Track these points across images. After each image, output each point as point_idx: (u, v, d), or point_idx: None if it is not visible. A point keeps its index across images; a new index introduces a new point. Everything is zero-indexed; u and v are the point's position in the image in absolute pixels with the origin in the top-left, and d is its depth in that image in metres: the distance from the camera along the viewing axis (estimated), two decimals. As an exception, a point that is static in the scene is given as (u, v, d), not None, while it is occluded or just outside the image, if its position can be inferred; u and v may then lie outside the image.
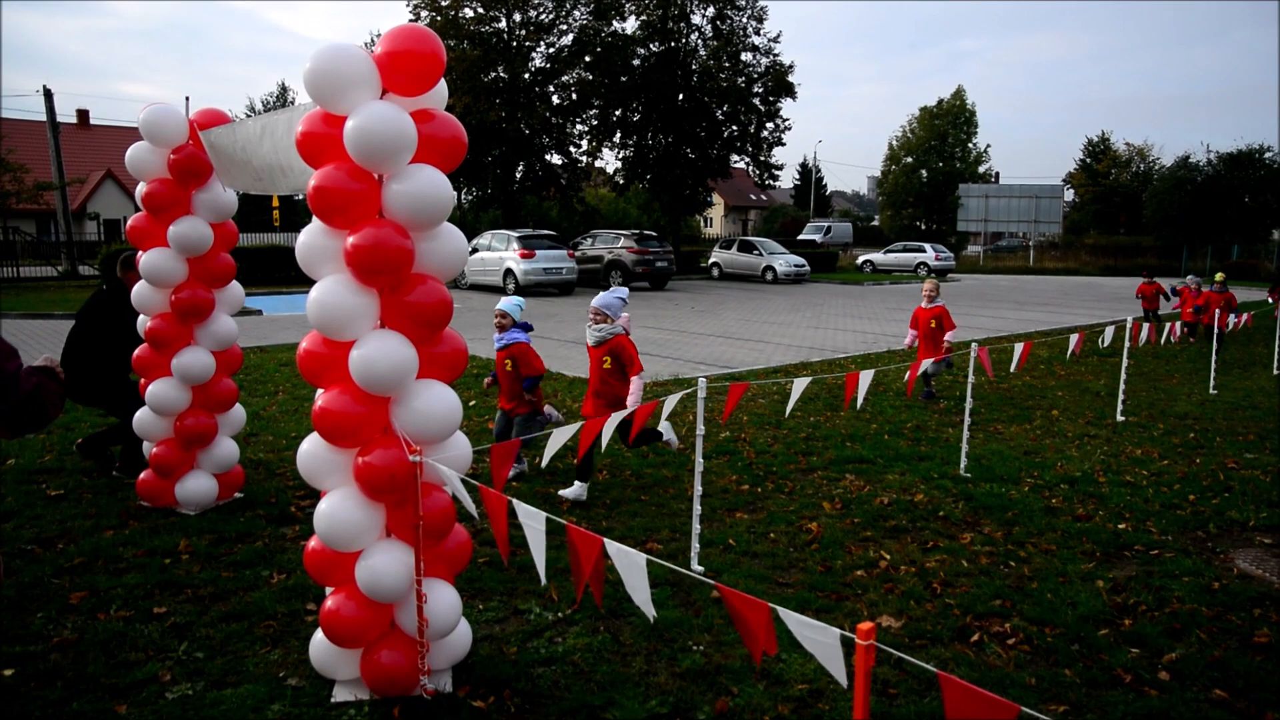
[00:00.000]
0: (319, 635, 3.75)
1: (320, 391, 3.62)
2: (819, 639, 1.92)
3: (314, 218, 3.55)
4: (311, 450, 3.65)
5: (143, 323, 5.77)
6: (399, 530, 3.64)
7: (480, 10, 34.96)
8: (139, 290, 5.71)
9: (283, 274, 26.64)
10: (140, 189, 5.58)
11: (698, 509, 5.10)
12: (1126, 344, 9.98)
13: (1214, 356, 12.03)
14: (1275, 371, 13.23)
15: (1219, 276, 16.78)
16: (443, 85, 3.74)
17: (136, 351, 5.85)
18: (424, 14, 34.20)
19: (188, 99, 5.41)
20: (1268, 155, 50.69)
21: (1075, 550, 5.56)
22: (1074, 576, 5.13)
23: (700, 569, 5.06)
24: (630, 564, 2.42)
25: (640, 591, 2.40)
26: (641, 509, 6.17)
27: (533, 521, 2.74)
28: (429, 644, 3.65)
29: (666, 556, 5.29)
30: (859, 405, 6.31)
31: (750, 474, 7.04)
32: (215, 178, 5.53)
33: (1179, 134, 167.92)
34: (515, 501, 2.86)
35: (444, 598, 3.69)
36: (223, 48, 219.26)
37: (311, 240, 3.56)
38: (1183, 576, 5.16)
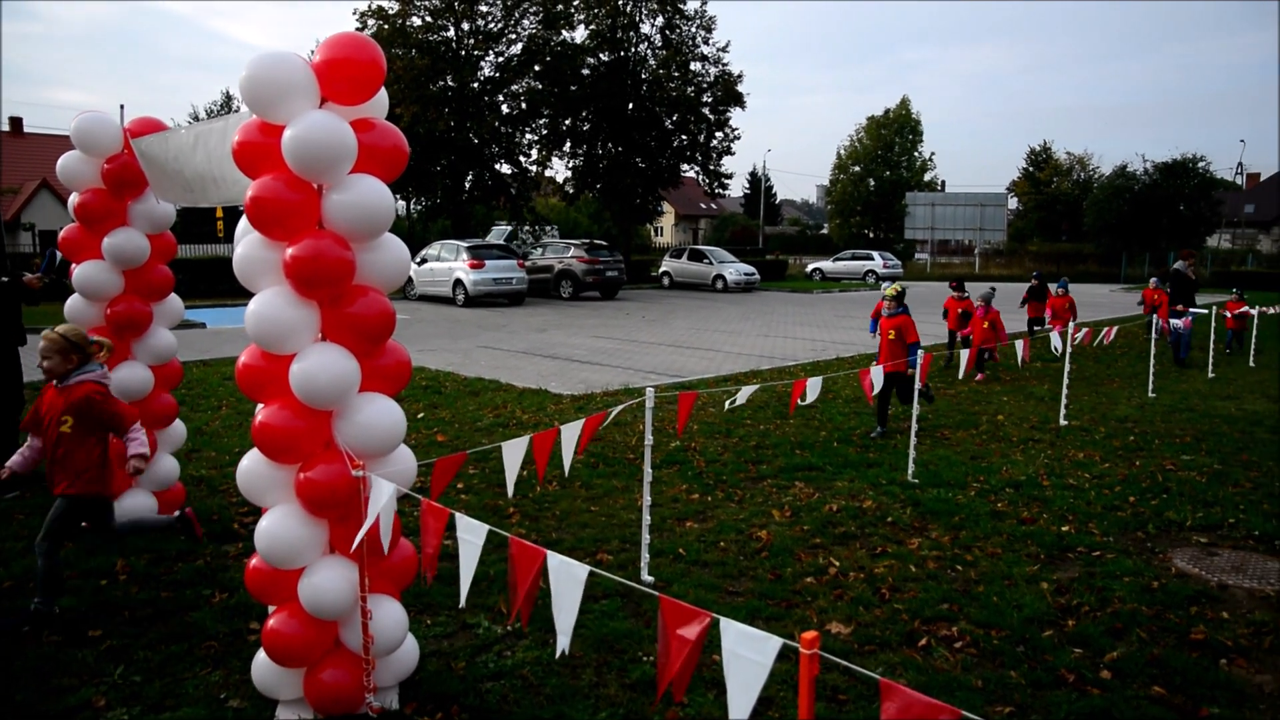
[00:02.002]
0: (261, 655, 3.67)
1: (260, 406, 3.54)
2: (752, 657, 1.91)
3: (252, 229, 3.48)
4: (252, 467, 3.58)
5: (77, 337, 5.60)
6: (342, 546, 3.58)
7: (428, 19, 34.75)
8: (72, 304, 5.55)
9: (227, 286, 26.13)
10: (73, 199, 5.43)
11: (647, 519, 5.09)
12: (1069, 350, 10.18)
13: (1152, 360, 12.33)
14: (1210, 375, 13.59)
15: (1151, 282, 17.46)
16: (383, 94, 3.69)
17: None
18: (371, 22, 33.90)
19: (122, 107, 5.28)
20: (1201, 165, 52.24)
21: (1020, 553, 5.65)
22: (1019, 579, 5.21)
23: (650, 579, 5.05)
24: (567, 580, 2.39)
25: (566, 615, 2.37)
26: (592, 520, 6.14)
27: (470, 535, 2.70)
28: (374, 661, 3.58)
29: (617, 567, 5.27)
30: (807, 400, 6.33)
31: (700, 483, 7.05)
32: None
33: (1117, 144, 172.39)
34: (457, 515, 2.82)
35: (389, 614, 3.63)
36: (162, 55, 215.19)
37: (249, 252, 3.49)
38: (1123, 577, 5.26)
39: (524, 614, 2.54)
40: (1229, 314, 16.86)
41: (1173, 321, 14.70)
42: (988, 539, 5.89)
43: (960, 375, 9.95)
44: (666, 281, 36.09)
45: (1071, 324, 11.12)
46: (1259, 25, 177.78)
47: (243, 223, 3.53)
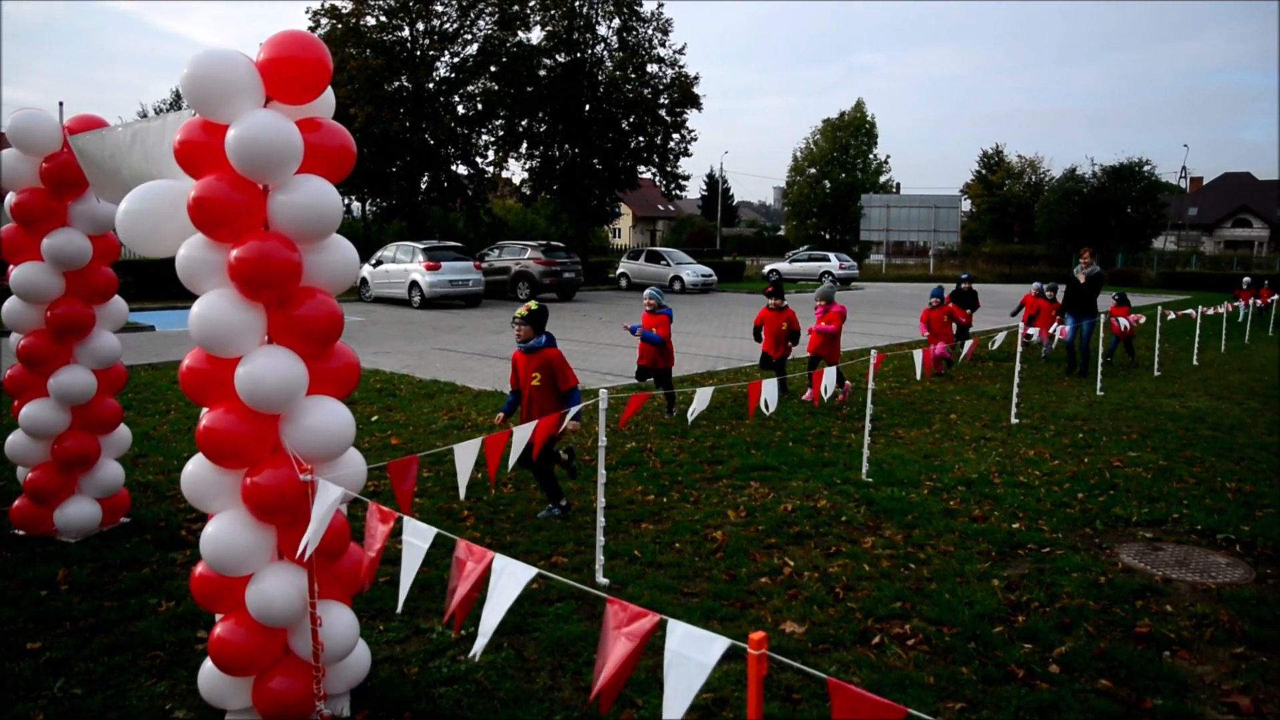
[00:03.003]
0: (208, 664, 3.59)
1: (205, 410, 3.47)
2: (696, 657, 1.90)
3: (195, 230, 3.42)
4: (197, 472, 3.51)
5: (15, 340, 5.46)
6: (291, 552, 3.52)
7: (382, 18, 34.43)
8: (10, 306, 5.40)
9: (176, 288, 25.54)
10: (10, 199, 5.29)
11: (601, 521, 5.07)
12: (1019, 348, 10.34)
13: (1100, 359, 12.57)
14: (1156, 373, 13.88)
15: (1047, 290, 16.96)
16: (330, 93, 3.65)
17: (9, 370, 5.54)
18: (324, 21, 33.51)
19: (61, 104, 5.15)
20: (1146, 169, 53.42)
21: (972, 550, 5.71)
22: (971, 576, 5.27)
23: (606, 581, 5.03)
24: (509, 581, 2.37)
25: (494, 616, 2.35)
26: (547, 522, 6.11)
27: (416, 539, 2.67)
28: (325, 668, 3.53)
29: (572, 570, 5.25)
30: (768, 411, 6.40)
31: (656, 484, 7.05)
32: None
33: (1066, 147, 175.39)
34: (405, 519, 2.78)
35: (340, 620, 3.58)
36: (106, 52, 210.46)
37: (193, 254, 3.42)
38: (1072, 572, 5.35)
39: (458, 617, 2.50)
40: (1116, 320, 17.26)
41: (1051, 330, 13.80)
42: (940, 537, 5.95)
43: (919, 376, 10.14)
44: (624, 283, 36.06)
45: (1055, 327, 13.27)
46: (1200, 33, 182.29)
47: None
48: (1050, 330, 13.81)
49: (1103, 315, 13.09)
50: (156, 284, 25.36)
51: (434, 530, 2.71)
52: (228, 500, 3.48)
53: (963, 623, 4.62)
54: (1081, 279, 13.33)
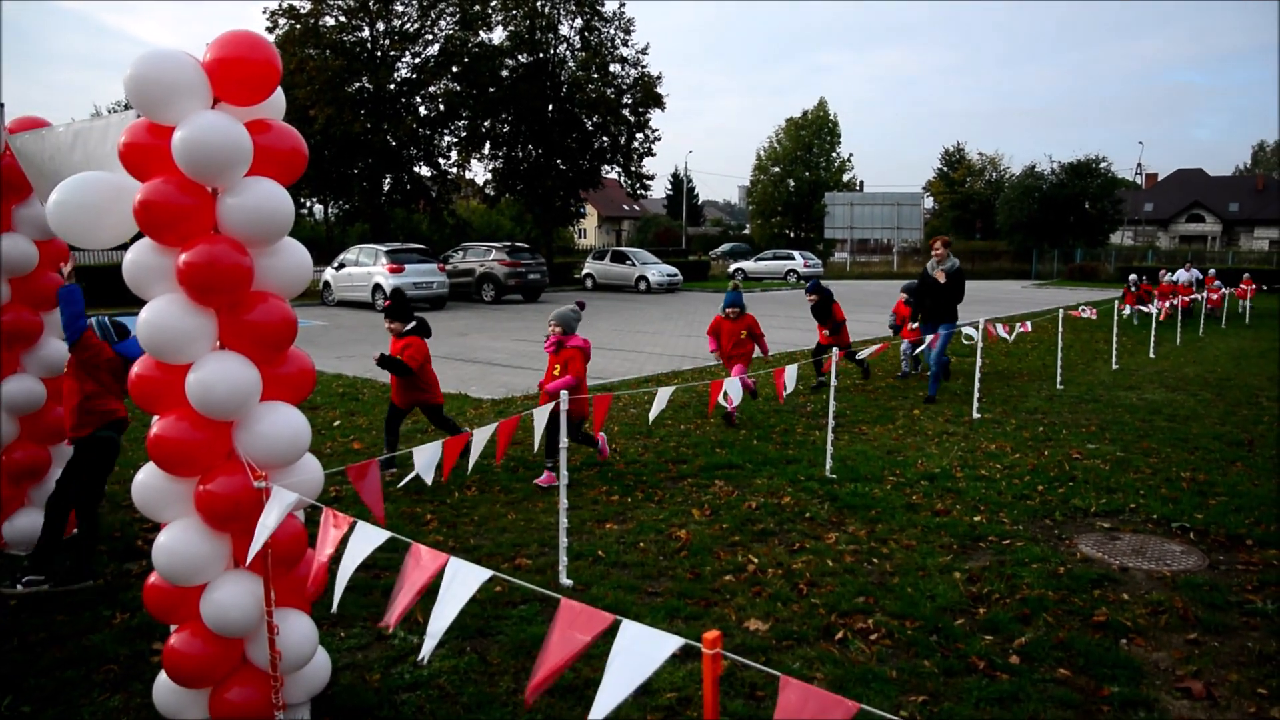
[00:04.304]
0: (163, 677, 3.53)
1: (156, 418, 3.41)
2: (650, 653, 1.89)
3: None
4: (147, 481, 3.44)
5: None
6: (249, 561, 3.46)
7: (342, 19, 34.13)
8: (-45, 315, 5.28)
9: (132, 294, 25.24)
10: (-49, 204, 5.16)
11: (564, 522, 5.05)
12: (981, 344, 10.45)
13: (1060, 354, 12.74)
14: (1114, 367, 14.09)
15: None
16: (279, 95, 3.59)
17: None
18: (282, 21, 33.15)
19: (1, 105, 5.03)
20: (1103, 165, 54.31)
21: (934, 544, 5.76)
22: (933, 570, 5.31)
23: (569, 583, 5.01)
24: (461, 584, 2.34)
25: (443, 620, 2.33)
26: (510, 524, 6.08)
27: (363, 543, 2.64)
28: (283, 677, 3.48)
29: (535, 571, 5.23)
30: (732, 408, 6.45)
31: (620, 484, 7.04)
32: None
33: (1026, 145, 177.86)
34: (359, 523, 2.75)
35: (298, 628, 3.53)
36: (56, 52, 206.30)
37: (140, 258, 3.35)
38: (1032, 563, 5.41)
39: (399, 611, 2.48)
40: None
41: (906, 344, 12.37)
42: (903, 531, 5.99)
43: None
44: (590, 283, 36.04)
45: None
46: (1152, 31, 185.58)
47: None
48: (916, 340, 11.84)
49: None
50: (111, 289, 24.92)
51: (388, 534, 2.68)
52: (180, 509, 3.42)
53: (925, 616, 4.65)
54: (941, 278, 10.86)
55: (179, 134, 3.16)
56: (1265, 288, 26.16)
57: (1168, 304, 16.31)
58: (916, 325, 11.86)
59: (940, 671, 4.10)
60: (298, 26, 32.98)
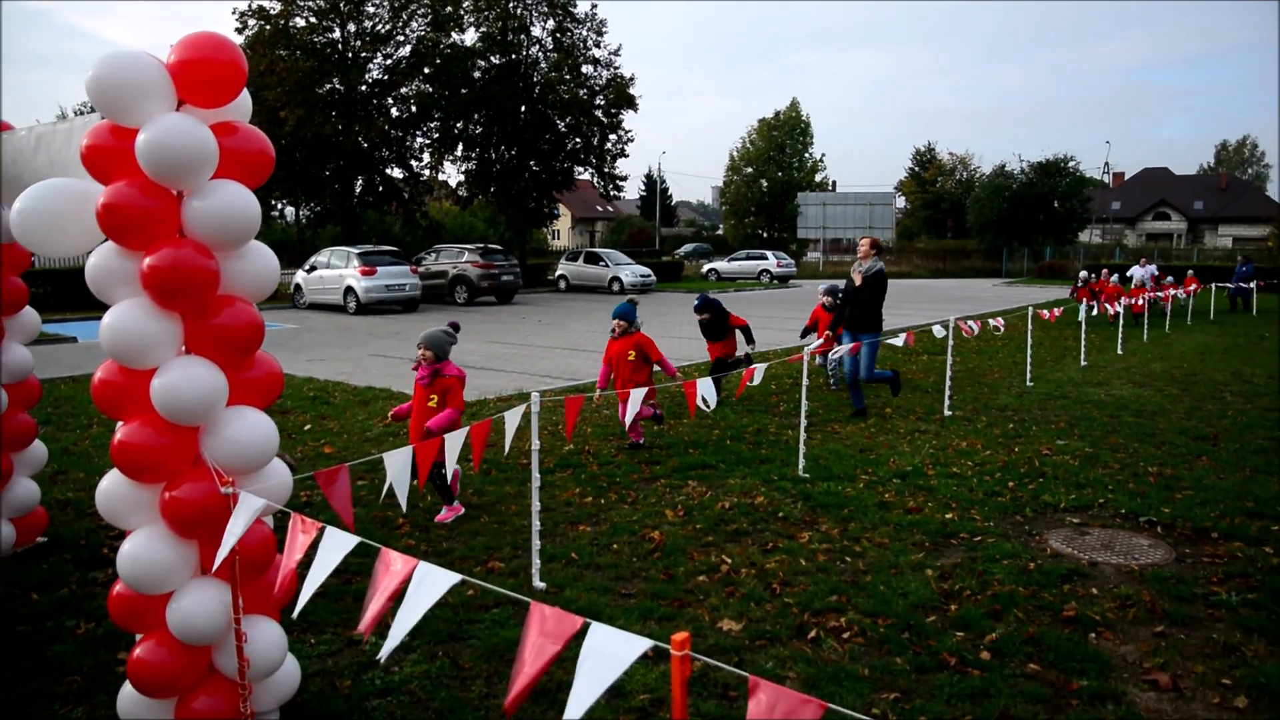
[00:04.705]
0: (127, 687, 3.48)
1: (120, 424, 3.37)
2: (620, 655, 1.89)
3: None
4: (111, 488, 3.39)
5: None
6: (216, 568, 3.42)
7: (312, 20, 33.86)
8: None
9: (96, 298, 24.90)
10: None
11: (537, 525, 5.04)
12: (951, 342, 10.52)
13: (1029, 352, 12.86)
14: (1083, 363, 14.25)
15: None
16: (246, 97, 3.56)
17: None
18: (251, 22, 32.83)
19: (-35, 111, 4.95)
20: (1071, 164, 54.94)
21: (907, 542, 5.79)
22: (905, 567, 5.34)
23: (542, 585, 5.00)
24: (429, 588, 2.33)
25: (406, 624, 2.32)
26: (483, 528, 6.05)
27: (332, 549, 2.62)
28: (251, 685, 3.44)
29: (508, 574, 5.21)
30: (709, 409, 6.45)
31: (594, 486, 7.03)
32: None
33: (995, 144, 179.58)
34: (328, 528, 2.72)
35: (267, 635, 3.49)
36: (20, 53, 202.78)
37: (103, 262, 3.31)
38: (1003, 559, 5.46)
39: (372, 619, 2.46)
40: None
41: (836, 353, 10.30)
42: (875, 529, 6.03)
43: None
44: (563, 285, 35.99)
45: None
46: (1120, 32, 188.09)
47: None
48: (834, 350, 10.23)
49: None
50: (78, 294, 24.59)
51: (356, 539, 2.66)
52: (146, 516, 3.37)
53: (897, 613, 4.68)
54: (857, 280, 9.69)
55: (142, 136, 3.12)
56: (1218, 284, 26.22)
57: (1120, 305, 16.23)
58: (829, 334, 10.21)
59: (912, 668, 4.13)
60: (267, 27, 32.67)
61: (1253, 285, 25.59)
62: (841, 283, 11.12)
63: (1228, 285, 26.12)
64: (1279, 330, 19.85)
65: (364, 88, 34.88)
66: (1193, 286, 24.35)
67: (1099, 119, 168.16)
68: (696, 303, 10.57)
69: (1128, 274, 25.37)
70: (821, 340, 10.48)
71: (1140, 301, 17.94)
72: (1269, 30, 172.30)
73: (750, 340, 10.58)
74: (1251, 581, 5.10)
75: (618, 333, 8.25)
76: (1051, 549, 5.70)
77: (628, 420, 6.71)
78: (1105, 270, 24.15)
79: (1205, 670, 4.10)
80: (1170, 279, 24.58)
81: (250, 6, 32.79)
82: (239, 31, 33.00)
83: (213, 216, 3.27)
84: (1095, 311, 16.03)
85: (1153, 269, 25.65)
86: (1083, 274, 22.03)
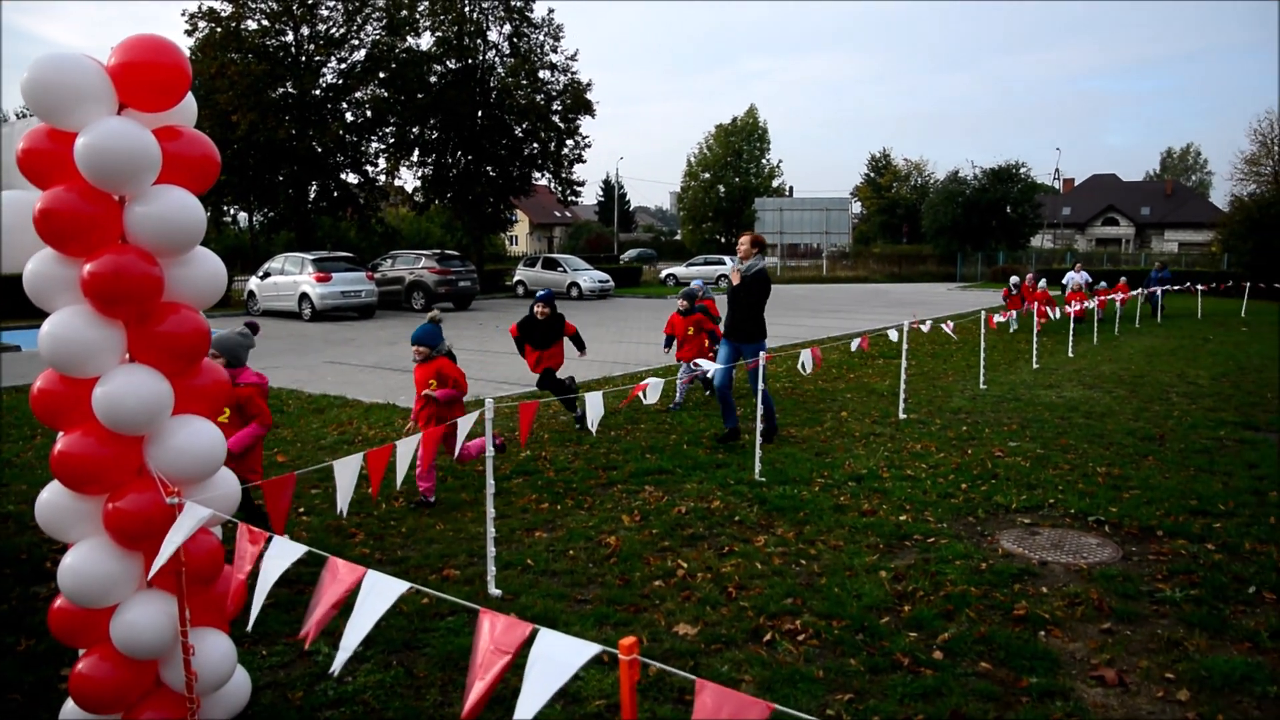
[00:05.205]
0: (70, 704, 3.40)
1: (60, 435, 3.29)
2: (568, 660, 1.89)
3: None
4: (52, 499, 3.32)
5: None
6: (160, 579, 3.36)
7: (265, 23, 33.44)
8: None
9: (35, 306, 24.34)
10: None
11: (492, 532, 5.01)
12: (905, 345, 10.65)
13: (982, 355, 13.05)
14: (1035, 366, 14.49)
15: None
16: (190, 101, 3.50)
17: None
18: (201, 24, 32.34)
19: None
20: (1023, 170, 55.94)
21: (861, 544, 5.85)
22: (859, 569, 5.39)
23: (498, 593, 4.97)
24: (378, 596, 2.31)
25: (357, 632, 2.30)
26: (439, 535, 6.00)
27: (279, 558, 2.58)
28: (200, 699, 3.38)
29: (464, 582, 5.17)
30: (647, 399, 6.40)
31: (550, 492, 7.01)
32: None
33: (948, 150, 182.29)
34: (276, 537, 2.69)
35: (215, 647, 3.43)
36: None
37: (42, 269, 3.24)
38: (955, 560, 5.52)
39: (312, 630, 2.44)
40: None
41: (701, 364, 9.14)
42: (831, 532, 6.07)
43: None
44: (521, 290, 35.88)
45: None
46: (1068, 40, 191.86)
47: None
48: (701, 364, 9.05)
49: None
50: (24, 302, 23.99)
51: (304, 548, 2.63)
52: (88, 528, 3.30)
53: (851, 615, 4.72)
54: (735, 280, 8.63)
55: (82, 140, 3.06)
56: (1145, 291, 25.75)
57: (1057, 313, 16.22)
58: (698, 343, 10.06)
59: (866, 669, 4.16)
60: (218, 30, 32.21)
61: (1160, 291, 24.58)
62: (697, 284, 11.23)
63: (1143, 291, 25.04)
64: (1239, 330, 20.34)
65: (318, 92, 34.53)
66: (1122, 294, 24.54)
67: (1050, 126, 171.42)
68: (543, 294, 9.56)
69: (1063, 280, 25.40)
70: (680, 347, 10.45)
71: (1079, 306, 18.15)
72: (1212, 41, 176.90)
73: (581, 347, 9.74)
74: (1194, 578, 5.22)
75: (418, 359, 6.80)
76: (1003, 549, 5.78)
77: (427, 461, 6.22)
78: (1031, 275, 23.78)
79: (1150, 665, 4.19)
80: (1104, 284, 24.68)
81: (200, 8, 32.33)
82: (189, 34, 32.51)
83: (156, 222, 3.22)
84: (1023, 317, 15.93)
85: (1086, 275, 25.46)
86: (1013, 279, 21.59)
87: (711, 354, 10.24)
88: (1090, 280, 25.43)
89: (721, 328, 9.33)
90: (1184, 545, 5.79)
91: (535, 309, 9.29)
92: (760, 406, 7.64)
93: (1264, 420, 9.99)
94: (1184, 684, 4.01)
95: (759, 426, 7.56)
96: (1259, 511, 6.49)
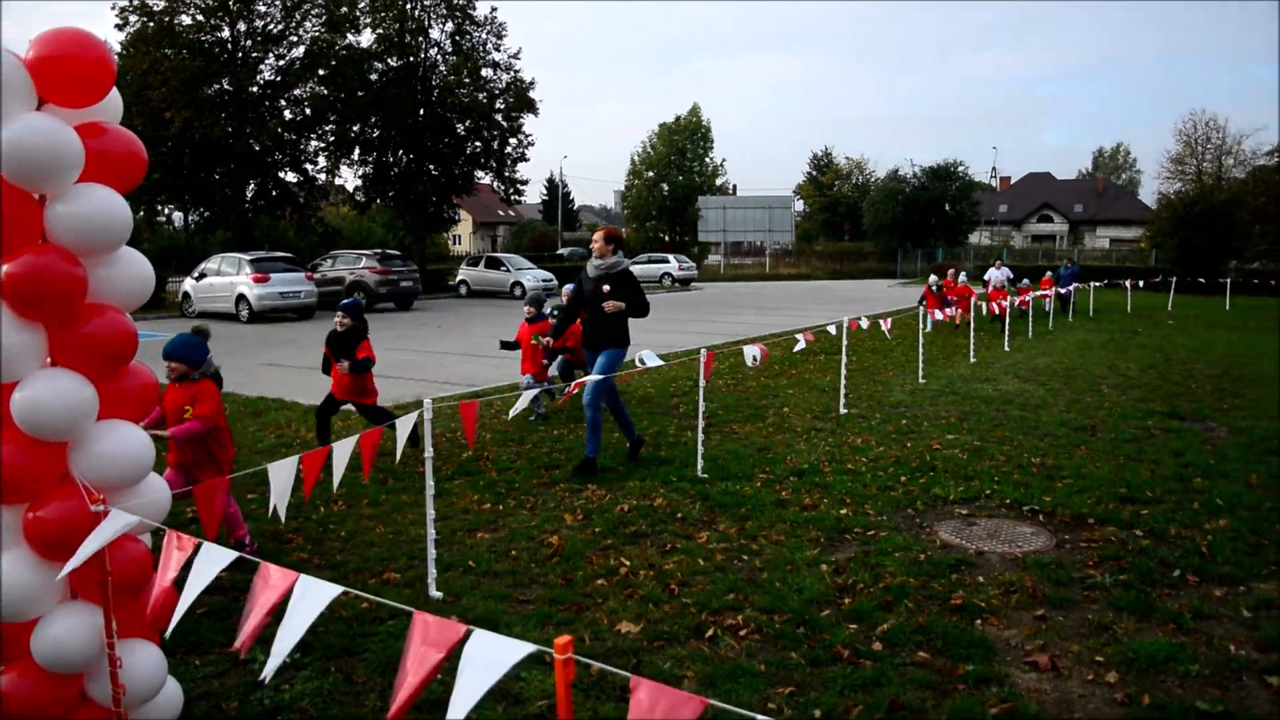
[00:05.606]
0: (-9, 721, 3.29)
1: (-22, 443, 3.18)
2: (501, 660, 1.88)
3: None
4: (-32, 510, 3.21)
5: None
6: (84, 590, 3.27)
7: (199, 18, 32.70)
8: None
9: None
10: None
11: (432, 534, 4.96)
12: (845, 341, 10.79)
13: (921, 350, 13.27)
14: (972, 360, 14.77)
15: None
16: (116, 96, 3.41)
17: None
18: (133, 19, 31.53)
19: None
20: (961, 169, 57.04)
21: (803, 538, 5.90)
22: (801, 563, 5.44)
23: (439, 595, 4.92)
24: (310, 601, 2.28)
25: (289, 639, 2.26)
26: (379, 538, 5.92)
27: (209, 565, 2.53)
28: (127, 712, 3.29)
29: (404, 585, 5.11)
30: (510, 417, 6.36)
31: (493, 492, 6.96)
32: None
33: (888, 149, 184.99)
34: (205, 544, 2.63)
35: (144, 659, 3.35)
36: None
37: (-45, 270, 3.13)
38: (895, 552, 5.60)
39: (247, 639, 2.40)
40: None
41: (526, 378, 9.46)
42: (772, 527, 6.12)
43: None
44: (464, 290, 35.60)
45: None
46: (994, 43, 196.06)
47: None
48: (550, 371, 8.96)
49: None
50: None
51: (233, 554, 2.57)
52: (7, 539, 3.20)
53: (793, 609, 4.76)
54: (603, 287, 7.50)
55: (-2, 137, 2.97)
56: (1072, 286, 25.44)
57: (962, 311, 16.23)
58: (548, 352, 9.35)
59: (807, 662, 4.20)
60: (150, 24, 31.42)
61: (1071, 289, 23.94)
62: (540, 285, 10.37)
63: (1051, 292, 23.31)
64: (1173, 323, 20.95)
65: (255, 89, 33.88)
66: (1045, 289, 24.64)
67: (986, 125, 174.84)
68: (345, 301, 8.47)
69: (985, 277, 25.49)
70: (524, 359, 9.72)
71: (1003, 304, 18.35)
72: (1140, 47, 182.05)
73: (357, 370, 8.17)
74: (1123, 563, 5.37)
75: (173, 377, 5.42)
76: (941, 540, 5.88)
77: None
78: (952, 271, 23.36)
79: (1080, 649, 4.30)
80: (1026, 281, 24.91)
81: (131, 3, 31.49)
82: (119, 28, 31.68)
83: (78, 222, 3.13)
84: (944, 318, 15.97)
85: (1008, 271, 25.44)
86: (932, 279, 20.93)
87: (544, 366, 9.79)
88: (1012, 277, 25.57)
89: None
90: (1114, 532, 5.96)
91: (335, 319, 8.30)
92: (588, 423, 7.24)
93: (1189, 410, 10.32)
94: (1112, 666, 4.12)
95: (701, 424, 7.58)
96: (1184, 498, 6.70)
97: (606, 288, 7.47)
